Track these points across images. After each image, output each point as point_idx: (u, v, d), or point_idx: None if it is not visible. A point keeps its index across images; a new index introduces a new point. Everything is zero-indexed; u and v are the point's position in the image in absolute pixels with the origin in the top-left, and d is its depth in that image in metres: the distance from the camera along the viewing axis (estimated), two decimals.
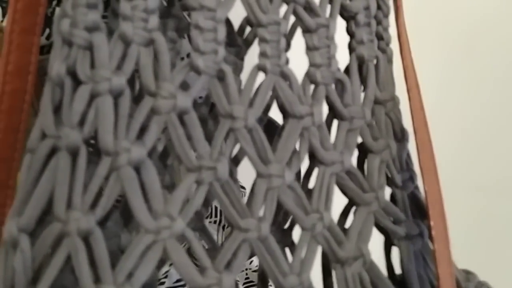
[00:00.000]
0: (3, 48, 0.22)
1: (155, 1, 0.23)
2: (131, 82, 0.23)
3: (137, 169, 0.22)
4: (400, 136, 0.30)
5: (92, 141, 0.22)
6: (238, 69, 0.30)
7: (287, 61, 0.26)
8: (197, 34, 0.24)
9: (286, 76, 0.26)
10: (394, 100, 0.30)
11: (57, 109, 0.22)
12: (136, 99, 0.23)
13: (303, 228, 0.25)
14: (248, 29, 0.30)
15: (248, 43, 0.30)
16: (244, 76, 0.27)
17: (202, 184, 0.23)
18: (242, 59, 0.30)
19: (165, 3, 0.28)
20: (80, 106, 0.22)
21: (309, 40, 0.27)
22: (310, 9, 0.27)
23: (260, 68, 0.25)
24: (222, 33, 0.24)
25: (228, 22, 0.30)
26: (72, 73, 0.22)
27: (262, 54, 0.25)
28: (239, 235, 0.23)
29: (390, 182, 0.29)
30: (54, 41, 0.23)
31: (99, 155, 0.22)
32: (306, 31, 0.27)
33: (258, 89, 0.25)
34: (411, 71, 0.30)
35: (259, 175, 0.24)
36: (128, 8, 0.22)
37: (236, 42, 0.30)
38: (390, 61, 0.30)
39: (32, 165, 0.22)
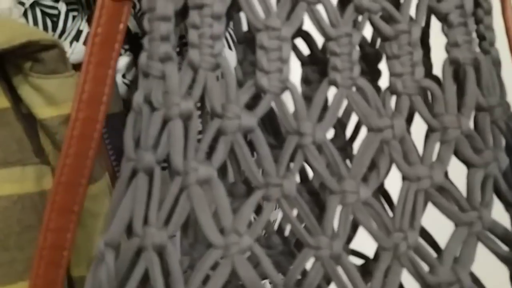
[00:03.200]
0: (79, 78, 0.24)
1: (220, 28, 0.24)
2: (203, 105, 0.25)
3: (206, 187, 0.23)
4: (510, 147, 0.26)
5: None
6: None
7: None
8: (262, 54, 0.24)
9: (360, 88, 0.24)
10: (503, 106, 0.26)
11: (137, 135, 0.24)
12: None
13: (383, 248, 0.23)
14: None
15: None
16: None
17: (269, 201, 0.23)
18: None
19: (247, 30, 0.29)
20: (154, 130, 0.24)
21: (388, 49, 0.25)
22: (388, 15, 0.25)
23: (330, 82, 0.25)
24: (287, 51, 0.24)
25: (310, 39, 0.30)
26: (149, 102, 0.24)
27: (333, 68, 0.25)
28: (309, 252, 0.22)
29: (503, 200, 0.25)
30: (138, 77, 0.25)
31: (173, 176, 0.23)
32: (385, 39, 0.25)
33: (329, 104, 0.24)
34: None
35: (331, 192, 0.23)
36: (195, 36, 0.24)
37: (319, 58, 0.29)
38: (496, 63, 0.27)
39: (118, 186, 0.24)
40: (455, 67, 0.26)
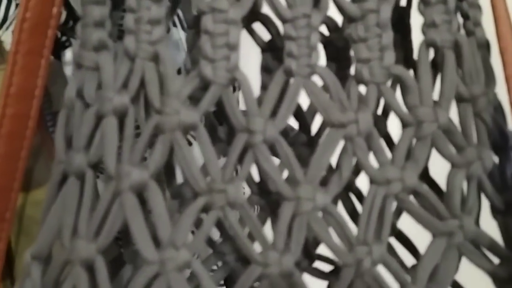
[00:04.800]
0: (5, 69, 0.22)
1: (159, 11, 0.21)
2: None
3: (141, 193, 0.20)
4: (502, 144, 0.22)
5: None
6: None
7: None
8: (206, 40, 0.21)
9: (324, 77, 0.21)
10: (488, 96, 0.22)
11: (70, 135, 0.22)
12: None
13: (344, 264, 0.20)
14: None
15: None
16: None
17: (211, 210, 0.20)
18: None
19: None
20: (86, 129, 0.21)
21: (353, 31, 0.22)
22: None
23: (286, 70, 0.21)
24: (235, 36, 0.21)
25: (271, 23, 0.27)
26: (82, 96, 0.22)
27: (288, 54, 0.21)
28: (256, 269, 0.19)
29: (491, 206, 0.22)
30: (73, 63, 0.23)
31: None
32: (350, 20, 0.22)
33: (283, 96, 0.21)
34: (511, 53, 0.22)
35: (284, 198, 0.20)
36: (131, 21, 0.21)
37: (280, 44, 0.26)
38: (481, 45, 0.23)
39: (48, 191, 0.22)
40: (434, 51, 0.23)
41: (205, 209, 0.20)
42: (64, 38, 0.36)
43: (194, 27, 0.26)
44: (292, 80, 0.21)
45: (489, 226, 0.22)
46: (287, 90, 0.21)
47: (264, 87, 0.28)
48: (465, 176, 0.21)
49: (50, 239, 0.21)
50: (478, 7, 0.23)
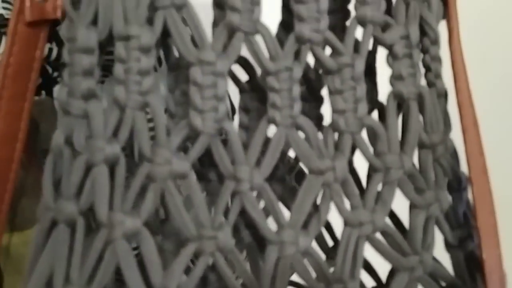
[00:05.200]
0: None
1: (149, 62, 0.22)
2: (130, 147, 0.23)
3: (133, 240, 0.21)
4: (456, 186, 0.25)
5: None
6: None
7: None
8: (195, 92, 0.22)
9: (300, 127, 0.23)
10: (446, 143, 0.25)
11: (56, 179, 0.22)
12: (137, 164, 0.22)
13: None
14: None
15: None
16: None
17: (202, 255, 0.21)
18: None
19: (177, 55, 0.27)
20: (76, 177, 0.21)
21: (330, 83, 0.24)
22: (334, 48, 0.24)
23: (270, 120, 0.23)
24: (223, 88, 0.22)
25: (249, 66, 0.28)
26: (71, 143, 0.22)
27: (272, 105, 0.23)
28: None
29: (445, 242, 0.25)
30: (58, 111, 0.23)
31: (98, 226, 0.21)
32: (327, 72, 0.24)
33: (267, 145, 0.23)
34: (468, 107, 0.25)
35: (269, 242, 0.22)
36: (121, 71, 0.22)
37: (258, 85, 0.27)
38: (441, 95, 0.26)
39: (37, 237, 0.22)
40: (399, 102, 0.25)
41: (196, 254, 0.21)
42: (55, 74, 0.35)
43: (175, 69, 0.27)
44: (275, 130, 0.23)
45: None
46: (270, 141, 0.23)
47: (242, 126, 0.29)
48: (425, 216, 0.24)
49: (40, 287, 0.21)
50: (439, 60, 0.26)
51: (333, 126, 0.24)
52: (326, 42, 0.24)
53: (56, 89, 0.34)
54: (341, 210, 0.23)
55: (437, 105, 0.25)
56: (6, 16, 0.33)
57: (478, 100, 0.25)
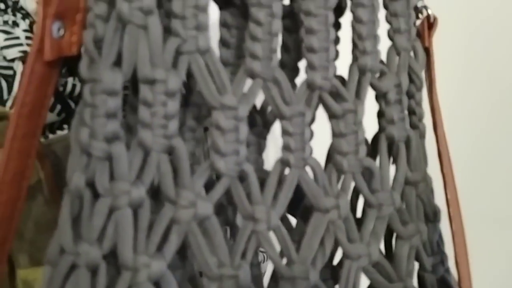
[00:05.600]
0: (2, 155, 0.21)
1: (175, 106, 0.22)
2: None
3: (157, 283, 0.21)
4: (432, 218, 0.29)
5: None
6: (261, 149, 0.29)
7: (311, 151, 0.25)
8: (218, 136, 0.23)
9: (314, 168, 0.25)
10: (427, 181, 0.28)
11: (75, 221, 0.22)
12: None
13: None
14: (269, 108, 0.29)
15: (268, 124, 0.29)
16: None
17: None
18: (264, 138, 0.29)
19: (183, 91, 0.27)
20: (99, 221, 0.21)
21: (335, 126, 0.26)
22: (336, 94, 0.26)
23: (283, 162, 0.24)
24: (244, 132, 0.23)
25: None
26: (91, 184, 0.22)
27: (286, 148, 0.24)
28: None
29: (420, 267, 0.28)
30: (72, 149, 0.22)
31: (119, 268, 0.21)
32: (333, 117, 0.26)
33: (281, 186, 0.24)
34: (446, 155, 0.28)
35: (282, 277, 0.24)
36: (147, 114, 0.22)
37: (257, 122, 0.28)
38: (422, 136, 0.29)
39: (53, 281, 0.21)
40: (389, 143, 0.28)
41: None
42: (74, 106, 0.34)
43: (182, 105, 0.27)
44: (288, 171, 0.24)
45: None
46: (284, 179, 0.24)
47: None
48: (409, 247, 0.27)
49: None
50: (421, 106, 0.29)
51: (337, 167, 0.26)
52: (333, 88, 0.25)
53: None
54: (343, 244, 0.25)
55: (420, 146, 0.28)
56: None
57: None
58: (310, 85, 0.25)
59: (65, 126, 0.35)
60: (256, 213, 0.23)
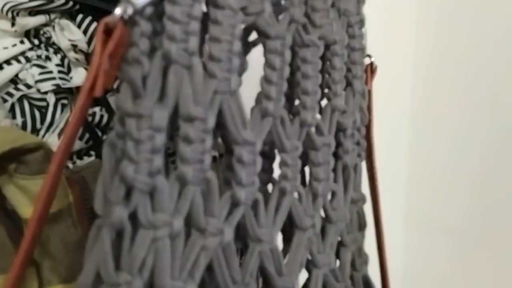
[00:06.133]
0: (45, 181, 0.20)
1: (210, 142, 0.24)
2: None
3: None
4: (363, 227, 0.36)
5: None
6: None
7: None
8: (240, 168, 0.25)
9: (300, 195, 0.29)
10: (363, 199, 0.35)
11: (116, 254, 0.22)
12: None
13: None
14: None
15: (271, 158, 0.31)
16: None
17: None
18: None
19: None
20: (141, 252, 0.22)
21: (314, 157, 0.30)
22: (318, 129, 0.30)
23: (280, 190, 0.28)
24: (259, 164, 0.26)
25: None
26: (131, 217, 0.22)
27: (284, 177, 0.28)
28: None
29: (351, 267, 0.35)
30: (104, 179, 0.22)
31: None
32: (312, 148, 0.30)
33: (278, 210, 0.28)
34: (375, 182, 0.36)
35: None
36: (188, 151, 0.23)
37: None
38: (362, 161, 0.35)
39: None
40: (343, 169, 0.33)
41: None
42: (105, 137, 0.33)
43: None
44: (283, 198, 0.28)
45: None
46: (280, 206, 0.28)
47: None
48: (350, 253, 0.34)
49: None
50: (364, 137, 0.35)
51: (312, 191, 0.30)
52: (317, 125, 0.30)
53: None
54: (314, 256, 0.30)
55: (361, 172, 0.35)
56: (63, 86, 0.31)
57: None
58: (302, 123, 0.29)
59: (92, 152, 0.34)
60: (262, 236, 0.27)
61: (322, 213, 0.32)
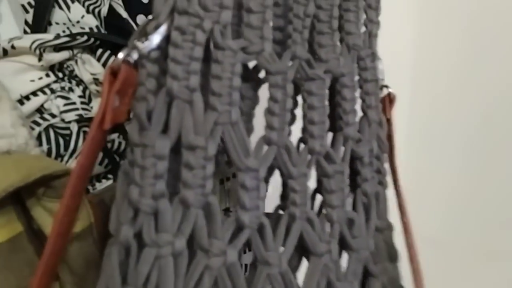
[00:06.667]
0: (59, 212, 0.24)
1: (212, 168, 0.26)
2: None
3: None
4: (394, 258, 0.35)
5: None
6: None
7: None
8: (243, 193, 0.27)
9: (311, 220, 0.30)
10: (390, 228, 0.35)
11: (121, 268, 0.24)
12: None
13: None
14: None
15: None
16: None
17: None
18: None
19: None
20: (145, 269, 0.24)
21: (326, 184, 0.31)
22: (329, 157, 0.31)
23: (290, 215, 0.29)
24: (263, 190, 0.28)
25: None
26: (138, 236, 0.25)
27: (292, 203, 0.29)
28: None
29: None
30: (117, 203, 0.25)
31: None
32: (324, 176, 0.31)
33: (288, 235, 0.29)
34: (403, 202, 0.35)
35: None
36: (189, 176, 0.25)
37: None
38: (385, 190, 0.35)
39: None
40: (364, 196, 0.34)
41: None
42: (122, 162, 0.36)
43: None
44: (293, 223, 0.29)
45: None
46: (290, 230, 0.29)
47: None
48: (380, 284, 0.33)
49: None
50: (384, 164, 0.35)
51: (328, 218, 0.31)
52: (327, 153, 0.31)
53: None
54: (333, 284, 0.30)
55: (385, 200, 0.35)
56: (85, 116, 0.36)
57: None
58: (310, 151, 0.30)
59: (110, 176, 0.39)
60: (270, 259, 0.28)
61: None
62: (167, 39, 0.26)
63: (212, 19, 0.26)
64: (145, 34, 0.26)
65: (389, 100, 0.36)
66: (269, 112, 0.29)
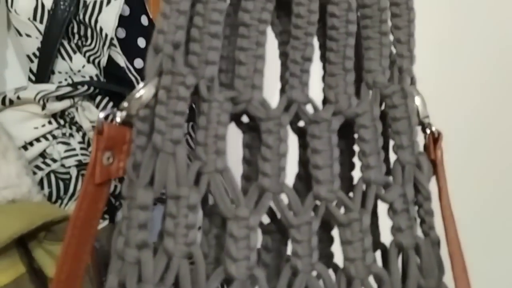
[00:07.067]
0: (59, 258, 0.26)
1: (195, 218, 0.26)
2: None
3: None
4: None
5: None
6: (281, 255, 0.32)
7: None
8: (231, 243, 0.26)
9: (318, 274, 0.27)
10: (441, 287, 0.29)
11: None
12: None
13: None
14: None
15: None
16: None
17: None
18: (285, 244, 0.32)
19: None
20: None
21: (342, 234, 0.28)
22: (342, 204, 0.29)
23: (292, 268, 0.27)
24: (254, 240, 0.26)
25: (271, 210, 0.33)
26: (122, 285, 0.26)
27: (294, 254, 0.27)
28: None
29: None
30: (113, 256, 0.27)
31: None
32: (339, 225, 0.28)
33: None
34: (458, 256, 0.29)
35: None
36: (171, 225, 0.26)
37: (278, 227, 0.32)
38: (435, 244, 0.30)
39: None
40: (399, 251, 0.29)
41: None
42: (117, 203, 0.43)
43: (210, 215, 0.31)
44: (295, 277, 0.27)
45: None
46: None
47: (264, 264, 0.33)
48: None
49: None
50: (432, 213, 0.31)
51: (345, 272, 0.28)
52: (339, 200, 0.28)
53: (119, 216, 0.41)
54: None
55: (432, 253, 0.30)
56: (83, 161, 0.41)
57: None
58: (316, 197, 0.28)
59: (106, 216, 0.41)
60: None
61: None
62: (155, 98, 0.28)
63: (197, 75, 0.28)
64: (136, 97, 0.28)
65: (433, 139, 0.32)
66: (261, 158, 0.28)
